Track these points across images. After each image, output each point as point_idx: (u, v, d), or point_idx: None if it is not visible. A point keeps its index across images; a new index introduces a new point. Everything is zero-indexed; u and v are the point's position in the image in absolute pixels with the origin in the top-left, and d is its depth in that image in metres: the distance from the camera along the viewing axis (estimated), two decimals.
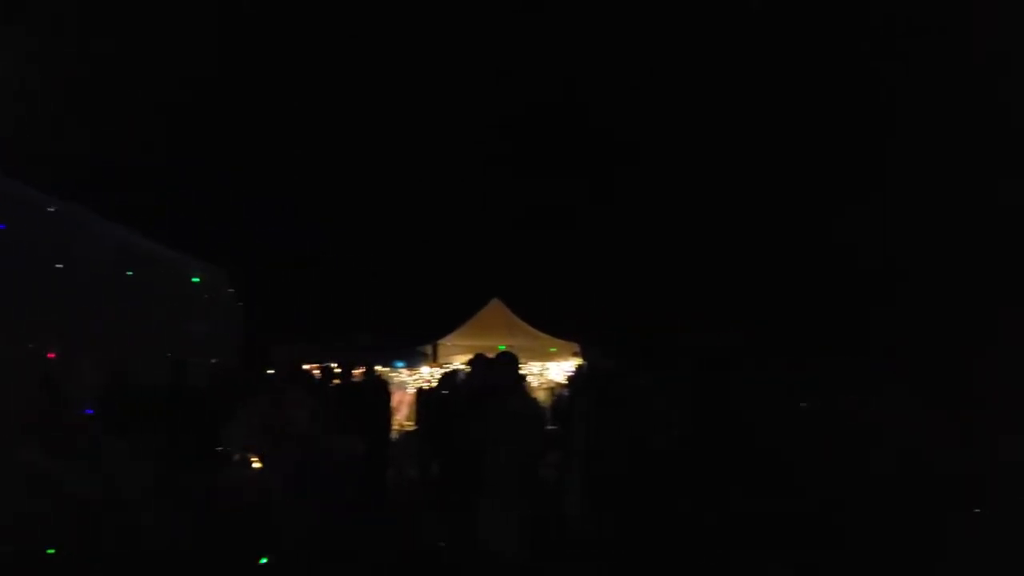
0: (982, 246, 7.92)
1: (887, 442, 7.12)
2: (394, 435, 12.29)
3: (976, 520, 6.30)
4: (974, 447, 6.67)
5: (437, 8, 8.33)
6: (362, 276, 12.42)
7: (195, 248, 12.02)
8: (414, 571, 8.00)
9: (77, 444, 7.53)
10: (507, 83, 9.50)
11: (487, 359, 7.77)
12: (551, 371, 16.56)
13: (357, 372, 11.37)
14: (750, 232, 10.48)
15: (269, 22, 8.46)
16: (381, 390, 11.34)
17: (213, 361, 11.49)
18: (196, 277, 12.41)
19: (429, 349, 16.55)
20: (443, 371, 13.52)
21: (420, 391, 13.54)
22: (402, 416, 13.81)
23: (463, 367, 12.98)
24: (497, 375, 7.11)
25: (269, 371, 10.46)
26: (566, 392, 12.04)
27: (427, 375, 15.86)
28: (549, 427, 9.56)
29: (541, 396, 14.23)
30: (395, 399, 12.90)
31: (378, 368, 12.71)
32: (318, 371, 11.43)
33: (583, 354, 15.46)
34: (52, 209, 9.39)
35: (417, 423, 12.01)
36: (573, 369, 14.50)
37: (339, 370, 11.39)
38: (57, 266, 9.24)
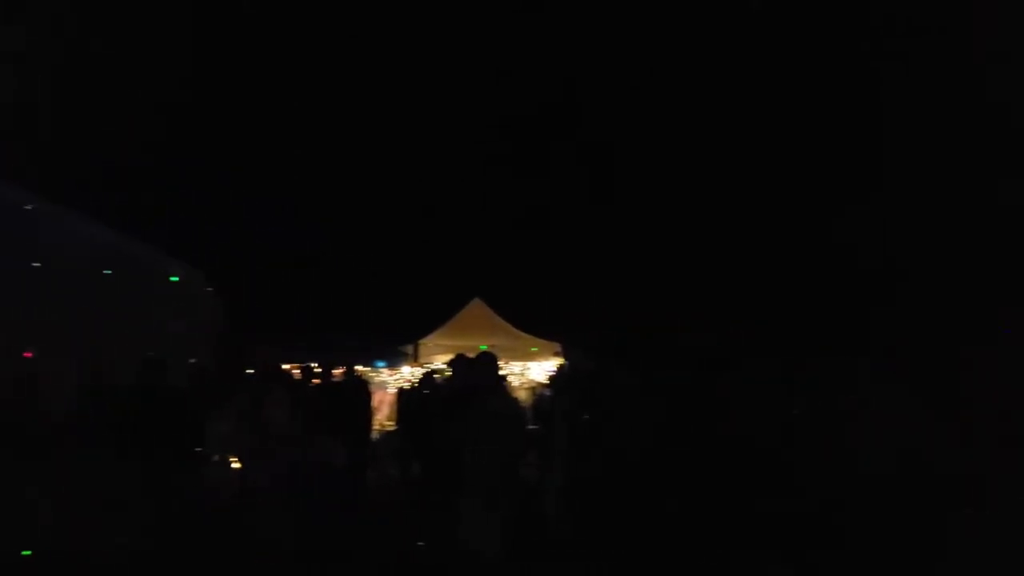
0: (982, 246, 7.95)
1: (879, 443, 7.14)
2: (375, 435, 12.25)
3: (973, 521, 6.32)
4: (973, 447, 6.69)
5: (421, 9, 8.30)
6: (342, 275, 12.37)
7: (173, 247, 11.94)
8: (395, 571, 7.96)
9: (54, 445, 7.47)
10: (490, 83, 9.48)
11: (468, 359, 7.76)
12: (532, 371, 16.59)
13: (337, 372, 11.34)
14: (735, 231, 10.50)
15: (253, 19, 8.40)
16: (361, 390, 11.30)
17: (192, 361, 11.41)
18: (174, 276, 12.33)
19: (410, 349, 16.54)
20: (423, 371, 13.50)
21: (401, 391, 13.51)
22: (383, 416, 13.77)
23: (443, 367, 12.98)
24: (477, 375, 7.10)
25: (248, 371, 10.39)
26: (547, 392, 12.05)
27: (408, 375, 15.84)
28: (530, 427, 9.56)
29: (522, 396, 14.24)
30: (376, 399, 12.87)
31: (359, 368, 12.68)
32: (298, 371, 11.38)
33: (564, 354, 15.48)
34: (29, 207, 9.31)
35: (398, 423, 11.98)
36: (554, 369, 14.52)
37: (319, 370, 11.35)
38: (33, 265, 9.16)
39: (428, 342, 16.36)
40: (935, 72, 7.45)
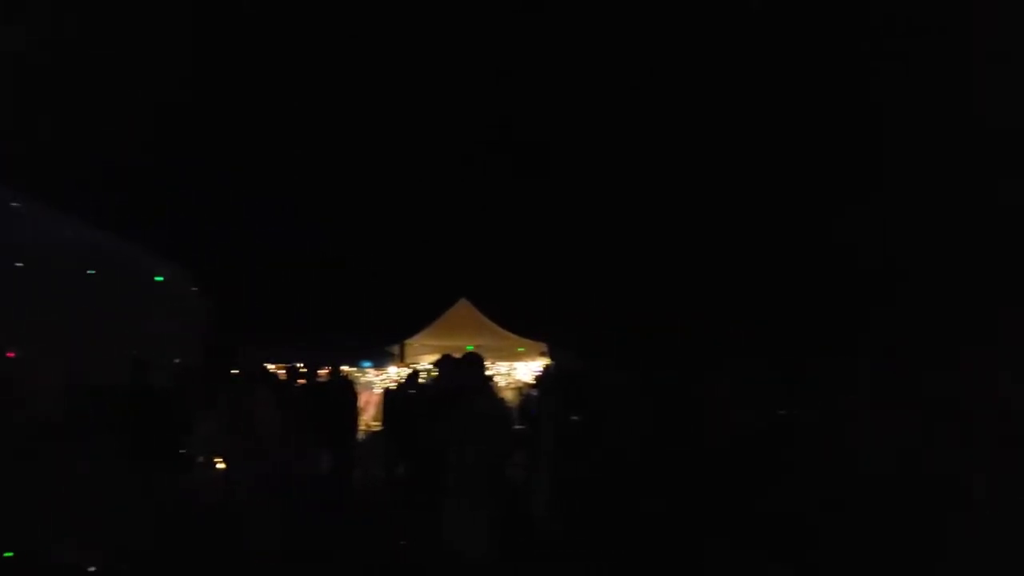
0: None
1: (870, 443, 7.17)
2: (361, 435, 12.22)
3: (965, 521, 6.35)
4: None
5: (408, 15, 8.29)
6: (328, 275, 12.33)
7: (159, 247, 11.89)
8: (380, 572, 7.95)
9: (36, 445, 7.43)
10: (474, 86, 9.47)
11: (454, 359, 7.75)
12: (519, 371, 16.58)
13: (323, 372, 11.31)
14: (722, 232, 10.52)
15: (239, 17, 8.37)
16: (347, 390, 11.27)
17: (177, 361, 11.36)
18: (159, 276, 12.27)
19: (396, 349, 16.49)
20: (408, 371, 13.47)
21: (387, 391, 13.48)
22: (369, 416, 13.73)
23: (429, 367, 12.96)
24: (463, 375, 7.09)
25: (234, 371, 10.35)
26: (534, 392, 12.05)
27: (394, 375, 15.81)
28: (516, 427, 9.56)
29: (509, 396, 14.23)
30: (362, 399, 12.83)
31: (345, 368, 12.65)
32: (283, 371, 11.34)
33: (551, 354, 15.48)
34: (16, 205, 9.25)
35: (383, 423, 11.95)
36: (541, 369, 14.51)
37: (304, 370, 11.32)
38: (16, 264, 9.10)
39: (414, 342, 16.32)
40: (930, 72, 7.48)
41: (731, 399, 8.47)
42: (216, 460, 8.27)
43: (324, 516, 8.88)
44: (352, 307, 12.86)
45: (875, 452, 7.02)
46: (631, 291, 11.72)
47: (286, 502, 8.33)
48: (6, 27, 7.70)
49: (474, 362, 7.11)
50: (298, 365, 11.40)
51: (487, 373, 7.89)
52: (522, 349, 16.47)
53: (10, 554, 6.63)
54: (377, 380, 15.75)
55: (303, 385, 10.97)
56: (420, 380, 11.93)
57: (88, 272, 10.78)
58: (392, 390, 12.68)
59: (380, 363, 16.14)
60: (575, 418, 8.16)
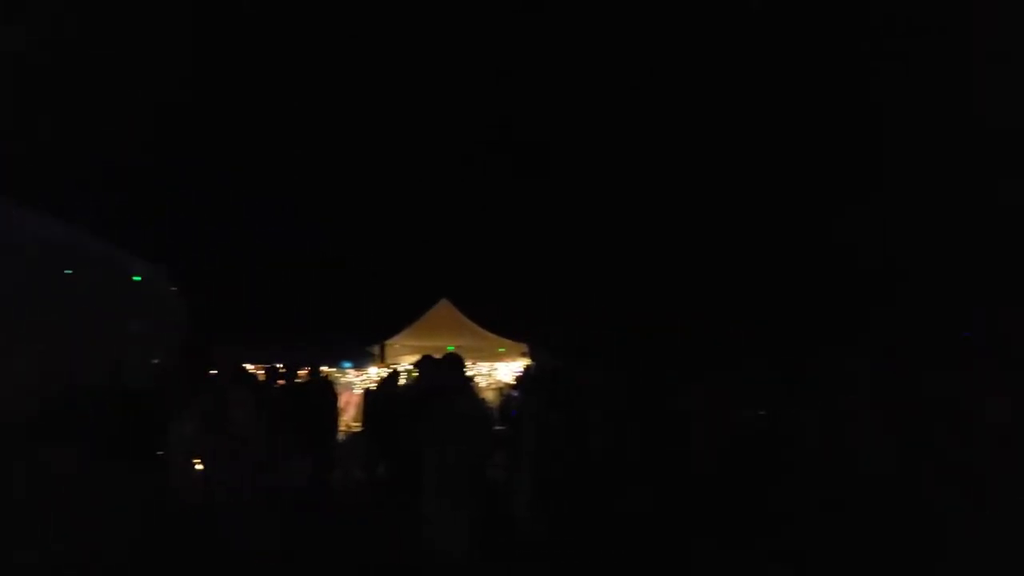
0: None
1: (850, 444, 7.20)
2: (341, 436, 12.16)
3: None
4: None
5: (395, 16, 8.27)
6: (309, 275, 12.28)
7: (137, 246, 11.80)
8: (361, 573, 7.91)
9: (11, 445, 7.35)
10: (456, 87, 9.47)
11: (434, 360, 7.72)
12: (500, 372, 16.55)
13: (302, 373, 11.24)
14: (705, 232, 10.55)
15: (213, 19, 8.32)
16: (327, 391, 11.21)
17: (155, 361, 11.27)
18: (137, 276, 12.17)
19: (377, 349, 16.43)
20: (388, 371, 13.42)
21: (367, 392, 13.42)
22: (349, 417, 13.67)
23: (409, 367, 12.92)
24: (444, 376, 7.08)
25: (212, 371, 10.28)
26: (515, 393, 12.02)
27: (375, 376, 15.75)
28: (497, 428, 9.53)
29: (490, 397, 14.20)
30: (342, 400, 12.77)
31: (325, 369, 12.58)
32: (262, 372, 11.26)
33: (532, 355, 15.47)
34: None
35: (363, 424, 11.90)
36: (522, 370, 14.50)
37: (284, 370, 11.24)
38: None
39: (395, 343, 16.27)
40: (925, 75, 7.52)
41: (716, 398, 8.49)
42: (195, 461, 8.20)
43: (304, 517, 8.82)
44: (332, 307, 12.82)
45: (868, 451, 7.06)
46: (613, 292, 11.74)
47: (265, 503, 8.27)
48: None
49: (454, 363, 7.11)
50: (277, 365, 11.32)
51: (468, 374, 7.86)
52: (503, 349, 16.45)
53: None
54: (357, 381, 15.69)
55: (282, 386, 10.89)
56: (401, 381, 11.88)
57: (65, 272, 10.67)
58: (372, 391, 12.62)
59: (360, 364, 16.07)
60: (556, 418, 8.14)
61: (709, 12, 7.82)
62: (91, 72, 8.50)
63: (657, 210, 10.50)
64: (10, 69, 8.21)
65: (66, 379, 8.71)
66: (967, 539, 6.16)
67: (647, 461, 7.82)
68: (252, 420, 8.29)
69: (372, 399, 11.86)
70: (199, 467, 8.18)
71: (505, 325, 15.15)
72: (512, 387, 13.30)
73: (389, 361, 16.08)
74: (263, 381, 10.88)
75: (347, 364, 15.79)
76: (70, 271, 10.63)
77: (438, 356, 7.68)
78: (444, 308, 15.33)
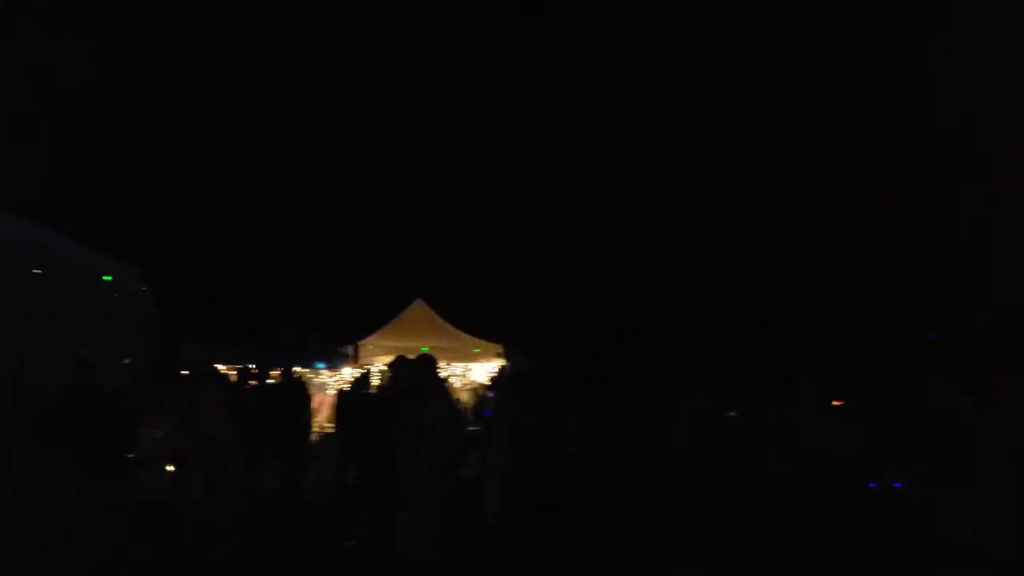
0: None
1: (813, 449, 7.24)
2: (314, 437, 12.10)
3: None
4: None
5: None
6: (282, 275, 12.23)
7: (107, 246, 11.70)
8: (332, 573, 7.88)
9: None
10: (434, 88, 9.46)
11: (408, 361, 7.71)
12: (474, 372, 16.54)
13: (275, 373, 11.18)
14: (673, 237, 10.61)
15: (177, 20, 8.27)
16: (299, 391, 11.15)
17: (126, 362, 11.16)
18: (108, 276, 12.05)
19: (350, 350, 16.36)
20: (361, 372, 13.39)
21: (340, 393, 13.37)
22: (323, 418, 13.61)
23: (383, 368, 12.89)
24: (417, 377, 7.08)
25: (184, 372, 10.20)
26: (489, 393, 12.02)
27: (349, 376, 15.69)
28: (471, 428, 9.53)
29: (464, 397, 14.19)
30: (316, 401, 12.71)
31: (298, 369, 12.52)
32: (234, 372, 11.19)
33: (506, 355, 15.48)
34: None
35: (336, 425, 11.85)
36: (496, 370, 14.51)
37: (256, 371, 11.17)
38: None
39: (369, 343, 16.21)
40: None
41: (689, 399, 8.52)
42: (165, 462, 8.14)
43: (275, 518, 8.78)
44: (306, 307, 12.77)
45: (838, 451, 7.11)
46: (587, 293, 11.77)
47: (236, 504, 8.23)
48: None
49: (428, 364, 7.11)
50: (249, 366, 11.25)
51: (442, 374, 7.86)
52: (478, 350, 16.44)
53: None
54: (331, 381, 15.62)
55: (254, 386, 10.82)
56: (376, 381, 11.84)
57: (34, 272, 10.56)
58: (344, 392, 12.58)
59: (334, 364, 15.99)
60: (531, 418, 8.14)
61: (703, 20, 7.88)
62: (62, 72, 8.42)
63: (631, 214, 10.56)
64: None
65: (35, 380, 8.61)
66: (932, 532, 6.23)
67: (621, 461, 7.83)
68: (224, 421, 8.23)
69: (344, 400, 11.82)
70: (170, 469, 8.12)
71: (480, 326, 15.16)
72: (487, 388, 13.30)
73: (363, 362, 16.02)
74: (235, 382, 10.81)
75: (320, 365, 15.71)
76: (39, 271, 10.51)
77: (412, 357, 7.67)
78: (419, 308, 15.29)
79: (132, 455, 8.23)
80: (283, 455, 9.95)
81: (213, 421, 8.17)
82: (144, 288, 12.64)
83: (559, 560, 7.13)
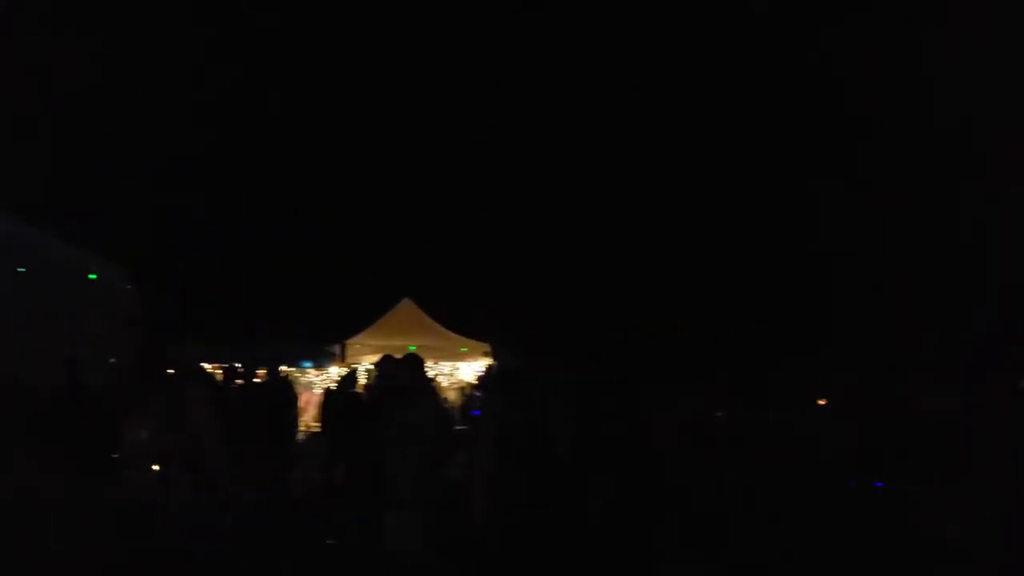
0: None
1: (796, 450, 7.27)
2: (301, 436, 12.06)
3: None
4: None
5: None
6: (269, 273, 12.19)
7: (93, 244, 11.63)
8: (319, 573, 7.86)
9: None
10: (419, 87, 9.45)
11: (395, 360, 7.69)
12: (462, 371, 16.52)
13: (261, 372, 11.13)
14: (660, 237, 10.62)
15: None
16: (286, 391, 11.11)
17: (111, 360, 11.11)
18: (94, 274, 11.98)
19: (337, 349, 16.30)
20: (347, 371, 13.33)
21: (326, 392, 13.33)
22: (309, 417, 13.56)
23: (370, 367, 12.85)
24: (404, 376, 7.07)
25: (169, 371, 10.15)
26: (477, 392, 12.00)
27: (336, 376, 15.64)
28: (458, 427, 9.51)
29: (452, 396, 14.17)
30: (302, 400, 12.66)
31: (284, 368, 12.47)
32: (220, 371, 11.14)
33: (494, 354, 15.46)
34: None
35: (322, 425, 11.82)
36: (484, 369, 14.50)
37: (242, 370, 11.12)
38: None
39: (356, 342, 16.15)
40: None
41: (677, 399, 8.53)
42: (151, 462, 8.10)
43: (262, 518, 8.74)
44: (293, 306, 12.72)
45: (823, 450, 7.14)
46: (574, 292, 11.77)
47: (222, 504, 8.20)
48: None
49: (415, 363, 7.10)
50: (235, 365, 11.20)
51: (430, 374, 7.85)
52: (465, 349, 16.41)
53: None
54: (318, 380, 15.57)
55: (240, 386, 10.78)
56: (364, 381, 11.81)
57: (19, 269, 10.50)
58: (331, 391, 12.54)
59: (321, 363, 15.93)
60: (519, 417, 8.13)
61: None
62: (46, 71, 8.37)
63: (618, 213, 10.56)
64: None
65: (20, 378, 8.57)
66: (919, 531, 6.26)
67: (608, 461, 7.83)
68: (210, 420, 8.20)
69: (330, 399, 11.78)
70: (156, 468, 8.08)
71: (467, 325, 15.14)
72: (474, 387, 13.28)
73: (350, 361, 15.97)
74: (221, 381, 10.76)
75: (307, 364, 15.65)
76: (23, 268, 10.45)
77: (399, 356, 7.65)
78: (406, 307, 15.26)
79: (117, 455, 8.19)
80: (269, 454, 9.90)
81: (199, 420, 8.14)
82: (130, 287, 12.58)
83: (547, 559, 7.12)
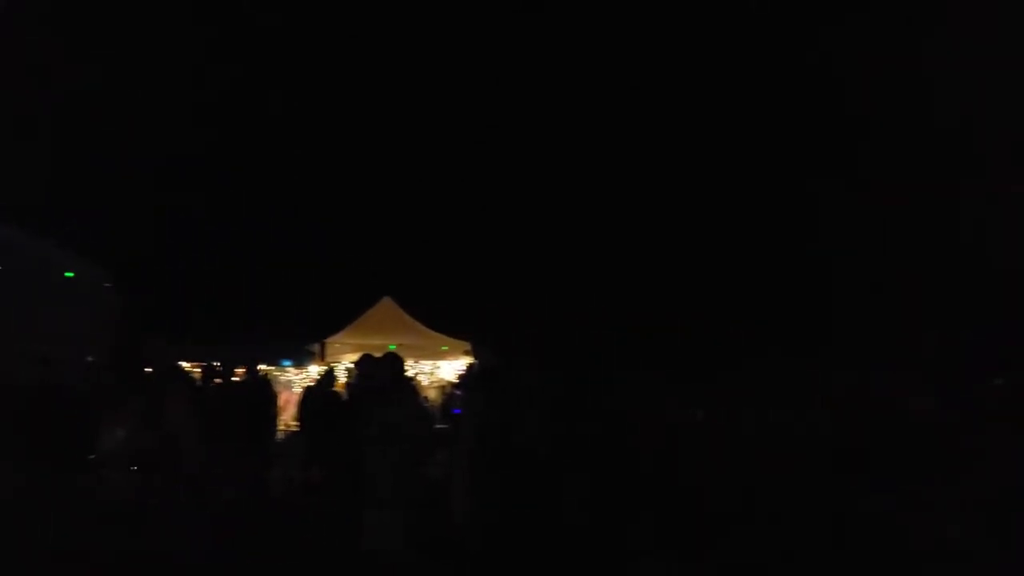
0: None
1: (767, 447, 7.31)
2: (280, 435, 12.01)
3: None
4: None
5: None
6: (247, 271, 12.12)
7: (69, 241, 11.55)
8: (298, 572, 7.83)
9: None
10: (402, 85, 9.43)
11: (374, 358, 7.67)
12: (442, 370, 16.51)
13: (240, 371, 11.07)
14: (639, 235, 10.64)
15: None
16: (265, 389, 11.06)
17: (88, 359, 11.04)
18: (70, 272, 11.90)
19: (317, 347, 16.25)
20: (326, 369, 13.29)
21: (305, 391, 13.28)
22: (288, 416, 13.51)
23: (350, 365, 12.80)
24: (384, 375, 7.05)
25: (147, 369, 10.09)
26: (457, 391, 12.00)
27: (315, 374, 15.59)
28: (438, 426, 9.50)
29: (432, 395, 14.16)
30: (282, 399, 12.62)
31: (263, 367, 12.41)
32: (198, 370, 11.07)
33: (474, 353, 15.46)
34: None
35: (300, 423, 11.76)
36: (464, 368, 14.49)
37: (221, 369, 11.06)
38: None
39: (336, 341, 16.11)
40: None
41: (655, 397, 8.55)
42: (128, 461, 8.04)
43: (240, 517, 8.70)
44: (272, 304, 12.66)
45: (801, 447, 7.17)
46: (554, 290, 11.78)
47: (201, 503, 8.16)
48: None
49: (395, 362, 7.08)
50: (214, 363, 11.14)
51: (410, 372, 7.84)
52: (446, 348, 16.40)
53: None
54: (297, 379, 15.51)
55: (219, 384, 10.72)
56: (343, 379, 11.77)
57: None
58: (309, 389, 12.49)
59: (300, 362, 15.88)
60: (499, 416, 8.13)
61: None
62: (26, 69, 8.31)
63: (598, 211, 10.57)
64: None
65: None
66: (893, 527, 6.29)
67: (586, 459, 7.85)
68: (188, 419, 8.16)
69: (309, 398, 11.74)
70: (134, 468, 8.03)
71: (448, 323, 15.12)
72: (455, 385, 13.28)
73: (329, 359, 15.92)
74: (199, 379, 10.70)
75: (286, 362, 15.60)
76: None
77: (379, 355, 7.63)
78: (386, 306, 15.22)
79: (94, 454, 8.13)
80: (248, 453, 9.86)
81: (177, 419, 8.10)
82: (107, 285, 12.49)
83: (527, 558, 7.12)
